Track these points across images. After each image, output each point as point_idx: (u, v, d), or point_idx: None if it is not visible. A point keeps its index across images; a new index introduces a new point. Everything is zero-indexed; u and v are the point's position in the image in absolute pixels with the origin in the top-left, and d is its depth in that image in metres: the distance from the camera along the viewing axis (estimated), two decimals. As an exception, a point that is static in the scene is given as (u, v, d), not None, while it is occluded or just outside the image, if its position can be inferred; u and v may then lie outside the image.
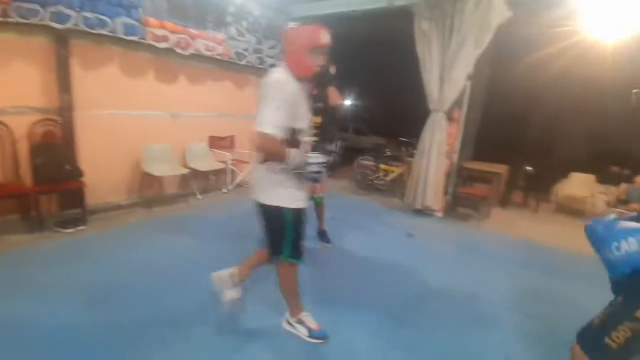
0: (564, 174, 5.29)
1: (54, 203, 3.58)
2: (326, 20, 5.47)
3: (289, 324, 2.06)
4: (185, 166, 4.55)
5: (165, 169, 4.22)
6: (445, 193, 4.73)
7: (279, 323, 2.10)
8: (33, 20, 2.96)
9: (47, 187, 3.24)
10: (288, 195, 1.74)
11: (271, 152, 1.63)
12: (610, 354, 1.38)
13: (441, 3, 4.23)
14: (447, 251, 3.60)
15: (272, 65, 5.38)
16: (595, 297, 1.50)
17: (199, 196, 4.66)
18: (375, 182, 5.48)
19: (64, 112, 3.53)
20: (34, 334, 1.86)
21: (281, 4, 5.29)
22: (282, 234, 1.78)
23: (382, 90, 9.48)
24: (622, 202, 4.45)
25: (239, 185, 5.23)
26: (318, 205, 3.35)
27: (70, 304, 2.15)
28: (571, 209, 5.08)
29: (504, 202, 5.45)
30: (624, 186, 4.69)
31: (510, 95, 5.69)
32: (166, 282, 2.51)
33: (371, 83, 9.57)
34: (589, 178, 5.09)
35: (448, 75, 4.34)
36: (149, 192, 4.31)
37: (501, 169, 5.06)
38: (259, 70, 5.37)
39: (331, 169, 3.15)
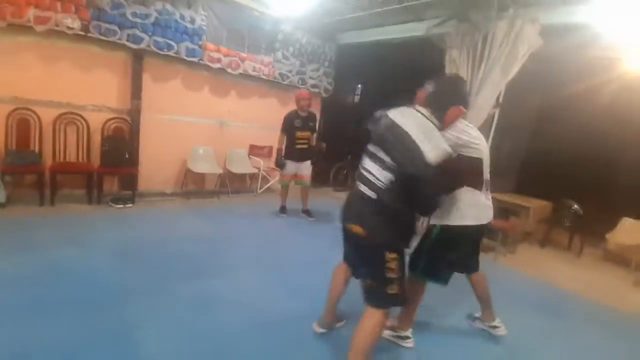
0: (617, 217, 4.66)
1: (115, 184, 4.49)
2: (369, 47, 5.88)
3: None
4: (224, 168, 5.24)
5: (205, 167, 4.94)
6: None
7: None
8: (112, 39, 3.91)
9: (108, 170, 4.12)
10: None
11: None
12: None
13: (472, 31, 4.29)
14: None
15: (314, 86, 5.93)
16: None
17: (230, 195, 5.28)
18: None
19: (133, 114, 4.45)
20: (71, 274, 2.50)
21: (328, 32, 5.83)
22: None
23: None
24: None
25: (269, 189, 5.75)
26: (304, 189, 4.69)
27: (104, 257, 2.82)
28: (620, 259, 4.44)
29: (545, 241, 5.00)
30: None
31: (562, 128, 5.26)
32: (179, 253, 3.10)
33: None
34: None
35: (473, 102, 4.30)
36: (190, 186, 5.08)
37: (533, 203, 4.70)
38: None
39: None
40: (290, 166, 4.50)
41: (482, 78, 4.21)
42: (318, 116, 6.47)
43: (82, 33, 3.71)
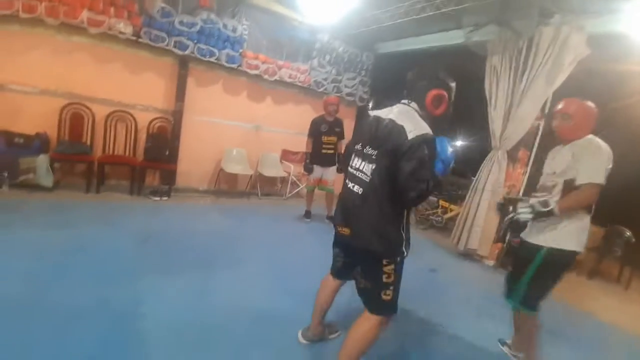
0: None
1: (156, 178, 4.83)
2: (407, 56, 5.79)
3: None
4: (256, 170, 5.42)
5: (237, 168, 5.15)
6: (501, 241, 4.25)
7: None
8: (160, 45, 4.26)
9: (150, 164, 4.46)
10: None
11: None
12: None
13: (515, 39, 4.06)
14: (464, 294, 3.29)
15: (350, 95, 5.95)
16: None
17: (260, 197, 5.43)
18: (431, 217, 5.26)
19: (176, 115, 4.80)
20: (97, 249, 2.75)
21: (366, 41, 5.86)
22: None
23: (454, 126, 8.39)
24: None
25: (298, 194, 5.81)
26: (329, 194, 4.61)
27: (129, 239, 3.05)
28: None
29: (593, 272, 4.47)
30: None
31: (617, 146, 4.70)
32: (198, 244, 3.26)
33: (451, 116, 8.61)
34: None
35: (514, 113, 4.04)
36: (223, 185, 5.32)
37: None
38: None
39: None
40: (317, 170, 4.53)
41: (525, 88, 3.95)
42: (353, 125, 6.53)
43: (134, 38, 4.11)
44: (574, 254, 1.86)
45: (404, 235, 1.61)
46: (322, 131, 4.45)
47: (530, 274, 1.92)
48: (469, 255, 4.30)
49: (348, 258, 1.81)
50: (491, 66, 4.32)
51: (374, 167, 1.55)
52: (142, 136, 4.57)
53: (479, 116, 4.40)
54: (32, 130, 3.85)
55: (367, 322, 1.66)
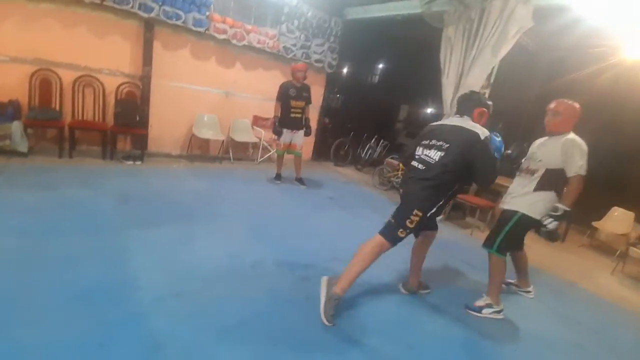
0: (605, 206, 4.75)
1: (127, 143, 4.96)
2: (374, 24, 5.96)
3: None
4: (228, 136, 5.61)
5: (209, 133, 5.33)
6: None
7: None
8: (125, 7, 4.25)
9: (121, 129, 4.57)
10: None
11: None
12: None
13: (469, 10, 4.34)
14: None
15: (318, 61, 6.10)
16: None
17: (232, 161, 5.68)
18: (392, 179, 5.74)
19: (144, 79, 4.84)
20: (80, 208, 2.99)
21: (335, 6, 5.94)
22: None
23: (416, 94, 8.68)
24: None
25: (270, 159, 6.09)
26: (297, 158, 4.98)
27: (109, 198, 3.31)
28: (606, 248, 4.60)
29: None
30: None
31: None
32: (174, 202, 3.55)
33: (414, 85, 8.64)
34: (628, 216, 4.49)
35: (464, 81, 4.42)
36: (196, 151, 5.51)
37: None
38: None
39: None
40: (286, 135, 4.80)
41: (475, 57, 4.29)
42: (322, 92, 6.74)
43: (98, 1, 4.06)
44: (538, 221, 2.39)
45: (437, 203, 2.16)
46: (291, 95, 4.66)
47: (506, 230, 2.49)
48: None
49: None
50: (447, 36, 4.61)
51: (442, 154, 2.12)
52: (111, 101, 4.64)
53: (437, 85, 4.73)
54: (4, 98, 3.87)
55: (378, 241, 2.18)
